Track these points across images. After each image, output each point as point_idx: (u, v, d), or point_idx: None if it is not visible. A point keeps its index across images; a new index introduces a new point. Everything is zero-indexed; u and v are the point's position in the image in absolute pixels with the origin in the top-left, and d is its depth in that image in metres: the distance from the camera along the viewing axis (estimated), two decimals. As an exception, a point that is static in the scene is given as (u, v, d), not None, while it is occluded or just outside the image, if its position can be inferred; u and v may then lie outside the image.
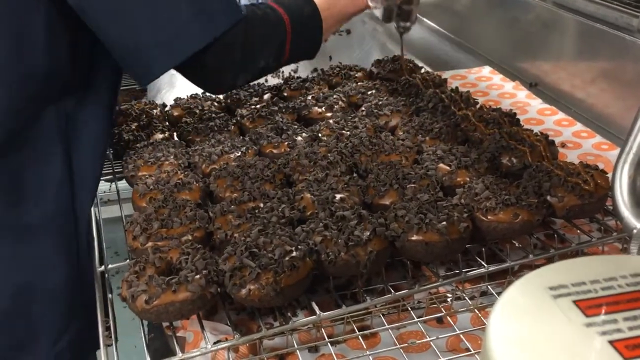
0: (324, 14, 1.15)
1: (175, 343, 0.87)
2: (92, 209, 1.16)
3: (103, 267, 1.02)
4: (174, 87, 2.03)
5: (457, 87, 1.49)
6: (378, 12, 1.27)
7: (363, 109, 1.39)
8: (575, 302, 0.40)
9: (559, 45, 1.80)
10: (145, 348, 0.85)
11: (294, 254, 0.91)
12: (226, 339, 0.90)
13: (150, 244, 0.99)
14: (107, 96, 1.10)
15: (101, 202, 1.27)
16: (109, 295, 0.96)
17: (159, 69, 1.01)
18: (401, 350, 0.89)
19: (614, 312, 0.39)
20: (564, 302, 0.40)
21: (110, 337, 0.86)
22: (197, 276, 0.89)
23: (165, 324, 0.94)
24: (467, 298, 0.99)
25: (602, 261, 0.45)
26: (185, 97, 1.51)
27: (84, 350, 1.10)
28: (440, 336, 0.91)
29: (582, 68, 1.71)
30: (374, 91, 1.48)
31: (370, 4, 1.22)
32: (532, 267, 1.05)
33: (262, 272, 0.88)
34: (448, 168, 1.12)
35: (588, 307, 0.39)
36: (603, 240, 1.04)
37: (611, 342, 0.37)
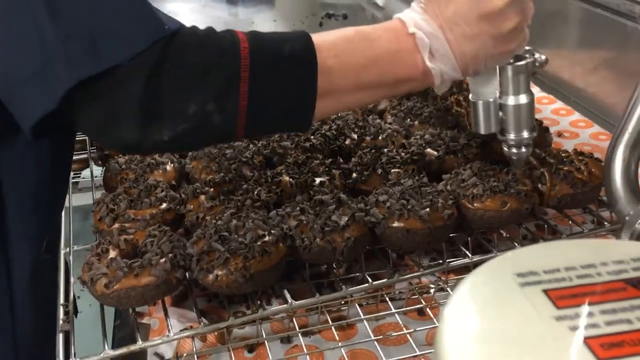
0: (329, 61, 0.71)
1: (136, 330, 0.82)
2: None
3: (68, 248, 0.97)
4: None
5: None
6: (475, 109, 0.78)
7: (351, 91, 1.33)
8: (545, 291, 0.34)
9: (559, 32, 1.74)
10: (103, 335, 0.80)
11: (266, 238, 0.86)
12: (191, 327, 0.85)
13: (116, 225, 0.93)
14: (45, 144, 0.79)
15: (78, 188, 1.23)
16: (71, 279, 0.91)
17: (34, 110, 0.65)
18: (376, 342, 0.83)
19: (589, 304, 0.34)
20: (533, 291, 0.34)
21: (68, 322, 0.81)
22: (162, 260, 0.84)
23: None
24: (449, 289, 0.93)
25: (581, 246, 0.39)
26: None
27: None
28: (418, 328, 0.86)
29: (582, 56, 1.65)
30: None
31: (429, 64, 0.72)
32: (520, 258, 1.00)
33: (231, 256, 0.83)
34: (435, 153, 1.07)
35: (560, 297, 0.34)
36: (595, 232, 0.99)
37: (584, 339, 0.31)
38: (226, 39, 0.69)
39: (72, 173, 1.12)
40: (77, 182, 2.71)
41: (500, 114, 0.76)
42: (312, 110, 0.71)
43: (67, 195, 1.07)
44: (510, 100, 0.75)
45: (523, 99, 0.75)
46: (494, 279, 0.35)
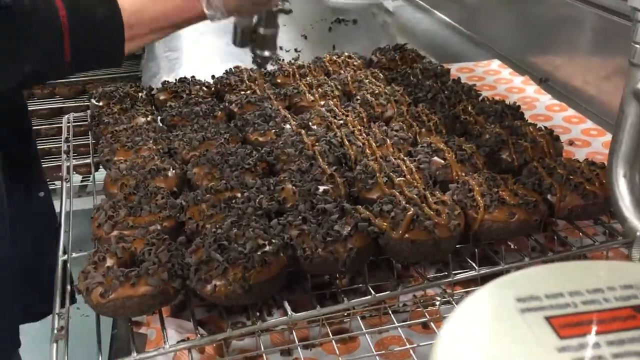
0: (131, 18, 0.96)
1: (132, 341, 0.80)
2: (64, 197, 1.10)
3: (66, 256, 0.95)
4: (173, 72, 1.97)
5: (459, 78, 1.41)
6: (235, 31, 1.07)
7: (358, 97, 1.31)
8: (547, 318, 0.31)
9: (572, 38, 1.71)
10: (97, 347, 0.78)
11: (267, 248, 0.84)
12: (188, 339, 0.83)
13: (115, 232, 0.92)
14: None
15: (81, 193, 1.22)
16: (68, 287, 0.89)
17: None
18: (377, 357, 0.81)
19: (595, 333, 0.31)
20: (534, 317, 0.31)
21: (63, 333, 0.79)
22: (160, 269, 0.82)
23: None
24: (454, 303, 0.90)
25: (586, 268, 0.36)
26: (174, 81, 1.44)
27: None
28: (422, 343, 0.83)
29: (595, 63, 1.62)
30: (371, 79, 1.39)
31: (206, 11, 0.99)
32: (528, 271, 0.97)
33: (230, 267, 0.81)
34: (442, 162, 1.04)
35: (563, 325, 0.31)
36: (607, 245, 0.95)
37: (590, 374, 0.28)
38: (45, 9, 0.90)
39: (80, 177, 1.13)
40: (85, 186, 2.72)
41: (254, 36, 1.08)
42: (122, 54, 0.99)
43: (64, 202, 1.06)
44: (262, 30, 1.06)
45: (270, 31, 1.06)
46: (493, 303, 0.32)
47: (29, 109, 2.57)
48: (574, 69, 1.69)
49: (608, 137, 1.39)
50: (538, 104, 1.57)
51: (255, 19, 1.07)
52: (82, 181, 2.54)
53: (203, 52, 2.09)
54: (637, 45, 0.71)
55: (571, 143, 1.36)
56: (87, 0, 0.96)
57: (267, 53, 1.09)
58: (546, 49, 1.81)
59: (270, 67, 1.57)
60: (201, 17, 1.00)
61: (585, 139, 1.39)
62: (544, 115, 1.51)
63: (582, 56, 1.69)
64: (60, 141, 1.33)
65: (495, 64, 1.85)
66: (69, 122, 1.39)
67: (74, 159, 1.26)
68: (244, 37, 1.07)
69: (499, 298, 0.33)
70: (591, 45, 1.66)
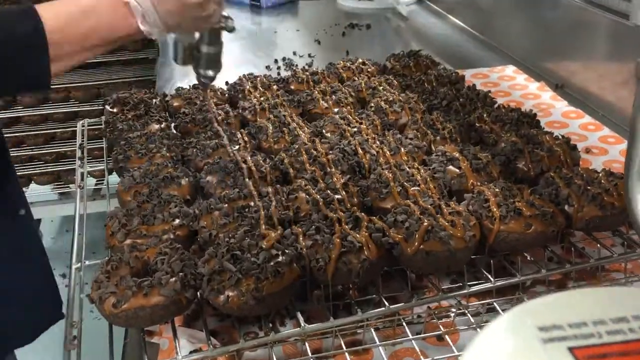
0: (55, 35, 0.86)
1: (144, 351, 0.79)
2: (78, 203, 1.10)
3: (79, 264, 0.95)
4: (187, 77, 1.97)
5: (474, 85, 1.40)
6: (175, 48, 0.99)
7: (372, 105, 1.30)
8: (571, 349, 0.30)
9: (589, 44, 1.69)
10: (110, 356, 0.77)
11: (280, 259, 0.83)
12: (200, 349, 0.83)
13: (128, 241, 0.91)
14: None
15: (95, 196, 1.21)
16: (80, 296, 0.89)
17: None
18: (392, 371, 0.80)
19: (622, 365, 0.30)
20: (557, 348, 0.30)
21: (75, 343, 0.79)
22: (172, 279, 0.81)
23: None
24: (469, 315, 0.89)
25: (610, 295, 0.35)
26: (187, 87, 1.44)
27: None
28: (436, 357, 0.82)
29: (612, 69, 1.60)
30: (385, 86, 1.38)
31: (142, 27, 0.89)
32: (545, 282, 0.96)
33: (242, 277, 0.81)
34: (457, 171, 1.03)
35: (588, 357, 0.30)
36: (626, 257, 0.94)
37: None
38: None
39: (95, 181, 1.10)
40: (99, 189, 2.73)
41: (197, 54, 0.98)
42: (47, 74, 0.87)
43: (77, 206, 1.05)
44: (204, 49, 0.98)
45: (212, 49, 0.98)
46: (514, 333, 0.31)
47: (45, 112, 2.60)
48: (590, 75, 1.67)
49: (625, 144, 1.36)
50: (554, 110, 1.56)
51: (197, 36, 0.98)
52: (96, 184, 2.56)
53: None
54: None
55: (588, 151, 1.34)
56: (4, 14, 0.88)
57: (210, 72, 0.99)
58: (562, 55, 1.79)
59: (284, 73, 1.56)
60: (137, 33, 0.91)
61: (602, 147, 1.37)
62: (560, 123, 1.49)
63: (598, 62, 1.67)
64: (75, 144, 1.33)
65: (510, 69, 1.83)
66: (83, 127, 1.39)
67: (88, 164, 1.26)
68: (185, 56, 0.98)
69: (520, 327, 0.32)
70: (607, 51, 1.64)
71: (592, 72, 1.67)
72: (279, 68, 1.89)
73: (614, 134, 1.42)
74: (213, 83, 1.05)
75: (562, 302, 0.33)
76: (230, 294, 0.80)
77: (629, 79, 1.54)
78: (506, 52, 2.01)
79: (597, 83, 1.63)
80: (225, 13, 0.96)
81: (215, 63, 0.99)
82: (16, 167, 2.59)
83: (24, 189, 2.64)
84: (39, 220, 2.86)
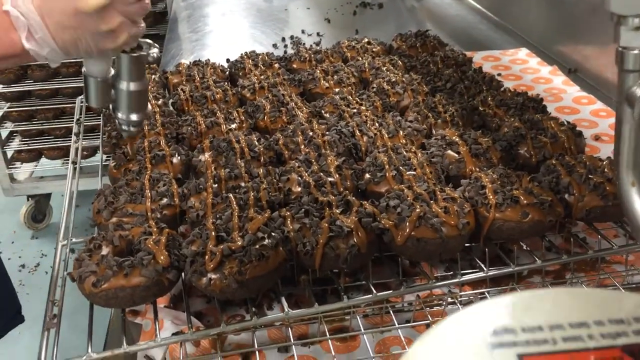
0: None
1: (123, 333, 0.78)
2: (70, 180, 1.08)
3: (66, 241, 0.94)
4: (194, 54, 1.94)
5: (480, 68, 1.35)
6: (86, 84, 0.77)
7: (374, 85, 1.27)
8: (520, 356, 0.27)
9: (605, 28, 1.62)
10: (88, 336, 0.76)
11: (265, 242, 0.81)
12: (182, 332, 0.81)
13: (114, 219, 0.90)
14: None
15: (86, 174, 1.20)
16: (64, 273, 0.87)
17: None
18: (379, 359, 0.78)
19: (575, 376, 0.27)
20: (505, 355, 0.27)
21: (55, 321, 0.77)
22: (154, 260, 0.79)
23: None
24: (458, 303, 0.86)
25: (574, 296, 0.32)
26: (188, 63, 1.41)
27: None
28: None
29: (628, 54, 1.54)
30: (389, 67, 1.35)
31: (26, 45, 0.70)
32: (541, 273, 0.93)
33: (225, 260, 0.79)
34: (456, 156, 1.00)
35: (538, 365, 0.27)
36: (627, 249, 0.90)
37: None
38: None
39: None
40: (97, 166, 2.73)
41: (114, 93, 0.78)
42: None
43: (69, 182, 1.04)
44: (123, 85, 0.76)
45: (133, 86, 0.76)
46: (464, 334, 0.28)
47: (55, 87, 2.58)
48: (606, 60, 1.61)
49: (637, 133, 1.32)
50: (565, 95, 1.51)
51: (112, 70, 0.77)
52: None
53: (227, 34, 2.06)
54: (625, 51, 0.67)
55: (597, 138, 1.29)
56: None
57: (134, 117, 0.78)
58: (577, 38, 1.73)
59: (290, 52, 1.52)
60: (22, 54, 0.71)
61: (612, 134, 1.32)
62: (571, 108, 1.44)
63: (614, 46, 1.61)
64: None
65: (523, 52, 1.78)
66: (82, 103, 1.37)
67: (84, 139, 1.25)
68: (99, 93, 0.76)
69: (472, 328, 0.29)
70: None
71: (607, 57, 1.61)
72: (285, 47, 1.85)
73: (625, 121, 1.37)
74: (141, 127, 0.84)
75: (522, 302, 0.30)
76: (213, 276, 0.78)
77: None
78: (521, 35, 1.95)
79: (612, 69, 1.57)
80: (147, 40, 0.78)
81: (139, 104, 0.77)
82: (26, 141, 2.60)
83: (34, 163, 2.66)
84: (48, 195, 2.87)
